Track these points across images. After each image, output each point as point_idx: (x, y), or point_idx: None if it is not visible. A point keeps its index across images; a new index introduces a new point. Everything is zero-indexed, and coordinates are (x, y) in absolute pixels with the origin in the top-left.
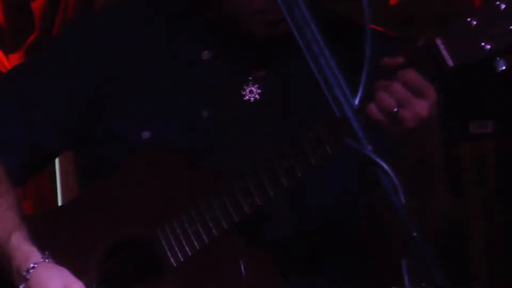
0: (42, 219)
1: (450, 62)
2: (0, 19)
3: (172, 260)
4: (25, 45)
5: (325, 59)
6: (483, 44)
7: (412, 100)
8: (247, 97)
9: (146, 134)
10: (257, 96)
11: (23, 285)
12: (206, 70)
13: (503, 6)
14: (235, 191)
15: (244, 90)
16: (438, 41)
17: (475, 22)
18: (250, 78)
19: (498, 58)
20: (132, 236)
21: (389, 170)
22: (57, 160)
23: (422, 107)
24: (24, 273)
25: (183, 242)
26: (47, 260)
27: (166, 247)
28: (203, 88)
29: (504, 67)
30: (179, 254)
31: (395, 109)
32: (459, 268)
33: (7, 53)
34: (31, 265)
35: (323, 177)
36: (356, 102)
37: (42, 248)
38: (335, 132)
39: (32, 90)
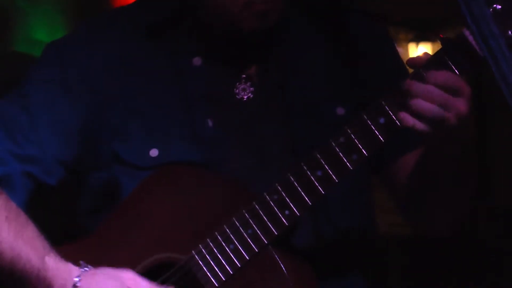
0: (72, 248)
1: (481, 53)
2: None
3: (213, 280)
4: None
5: (501, 53)
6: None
7: (451, 100)
8: (239, 96)
9: (153, 152)
10: (250, 94)
11: None
12: (199, 77)
13: None
14: (271, 205)
15: (237, 88)
16: (466, 32)
17: (499, 7)
18: (243, 76)
19: None
20: (169, 260)
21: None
22: None
23: (461, 104)
24: None
25: (223, 262)
26: (86, 269)
27: (205, 269)
28: (200, 96)
29: None
30: (220, 274)
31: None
32: None
33: None
34: (76, 279)
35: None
36: None
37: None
38: (368, 133)
39: (20, 125)
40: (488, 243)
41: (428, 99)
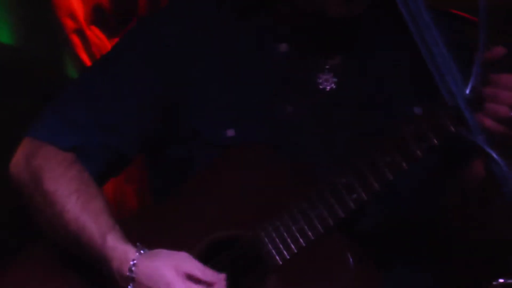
0: (139, 219)
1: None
2: (106, 3)
3: (277, 258)
4: (126, 29)
5: (438, 47)
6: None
7: None
8: (322, 86)
9: (230, 132)
10: (333, 85)
11: (131, 285)
12: (283, 63)
13: None
14: (339, 188)
15: (320, 78)
16: None
17: None
18: (327, 66)
19: None
20: (234, 236)
21: (499, 160)
22: None
23: None
24: (128, 274)
25: (288, 240)
26: (142, 252)
27: (270, 246)
28: (282, 81)
29: None
30: (284, 252)
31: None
32: None
33: (110, 37)
34: (132, 263)
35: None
36: (468, 91)
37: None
38: (438, 123)
39: (103, 94)
40: None
41: (501, 102)
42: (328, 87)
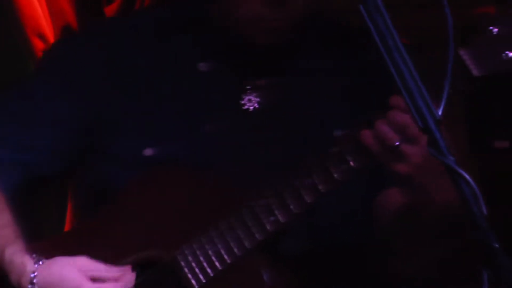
0: (55, 242)
1: (475, 72)
2: (74, 23)
3: (193, 282)
4: None
5: (407, 67)
6: (506, 52)
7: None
8: (245, 106)
9: (148, 152)
10: (256, 105)
11: None
12: (204, 82)
13: None
14: (257, 210)
15: (243, 99)
16: (462, 52)
17: (496, 30)
18: (248, 87)
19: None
20: (151, 258)
21: (470, 180)
22: None
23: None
24: (29, 286)
25: (204, 264)
26: (41, 263)
27: (186, 269)
28: (202, 101)
29: None
30: (200, 276)
31: (397, 143)
32: None
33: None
34: (32, 275)
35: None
36: (439, 112)
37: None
38: (358, 146)
39: (19, 113)
40: None
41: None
42: (251, 108)
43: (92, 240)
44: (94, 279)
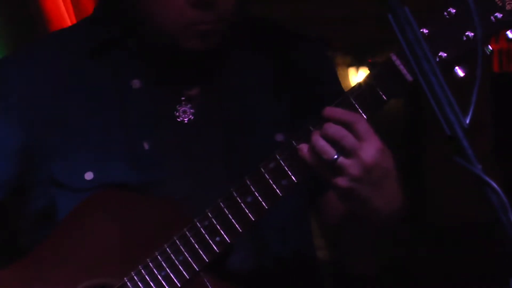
0: (6, 271)
1: (408, 77)
2: None
3: None
4: None
5: (435, 76)
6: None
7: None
8: (180, 118)
9: (88, 175)
10: (191, 116)
11: None
12: (138, 99)
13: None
14: (202, 232)
15: (178, 111)
16: (393, 57)
17: (427, 31)
18: (182, 98)
19: (456, 67)
20: (102, 285)
21: (499, 189)
22: None
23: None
24: None
25: None
26: None
27: None
28: (138, 118)
29: (463, 74)
30: None
31: (335, 156)
32: None
33: None
34: None
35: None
36: (467, 121)
37: None
38: (297, 160)
39: None
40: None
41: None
42: (186, 119)
43: (41, 269)
44: None
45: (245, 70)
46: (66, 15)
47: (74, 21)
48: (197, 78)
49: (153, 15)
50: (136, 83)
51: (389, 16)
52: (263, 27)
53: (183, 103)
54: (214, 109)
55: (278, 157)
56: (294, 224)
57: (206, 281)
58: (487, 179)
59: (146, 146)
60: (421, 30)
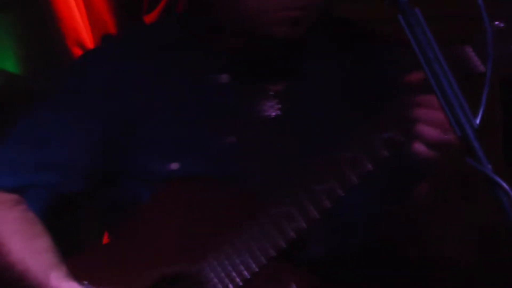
0: (83, 260)
1: (482, 68)
2: (114, 32)
3: None
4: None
5: (446, 78)
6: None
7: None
8: (266, 113)
9: (174, 166)
10: (278, 111)
11: None
12: (226, 94)
13: None
14: (279, 218)
15: (265, 105)
16: (468, 48)
17: (502, 25)
18: (271, 93)
19: None
20: (178, 272)
21: (509, 190)
22: None
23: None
24: None
25: (232, 273)
26: None
27: (216, 280)
28: (224, 112)
29: None
30: (230, 286)
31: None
32: None
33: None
34: None
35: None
36: (477, 121)
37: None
38: (372, 149)
39: (45, 134)
40: None
41: (432, 124)
42: (273, 114)
43: (122, 257)
44: None
45: (325, 67)
46: (78, 15)
47: (86, 21)
48: (282, 73)
49: (246, 2)
50: (225, 78)
51: (400, 17)
52: (344, 27)
53: (270, 98)
54: (298, 105)
55: (355, 145)
56: (374, 215)
57: (284, 266)
58: (498, 179)
59: (232, 140)
60: (496, 23)
